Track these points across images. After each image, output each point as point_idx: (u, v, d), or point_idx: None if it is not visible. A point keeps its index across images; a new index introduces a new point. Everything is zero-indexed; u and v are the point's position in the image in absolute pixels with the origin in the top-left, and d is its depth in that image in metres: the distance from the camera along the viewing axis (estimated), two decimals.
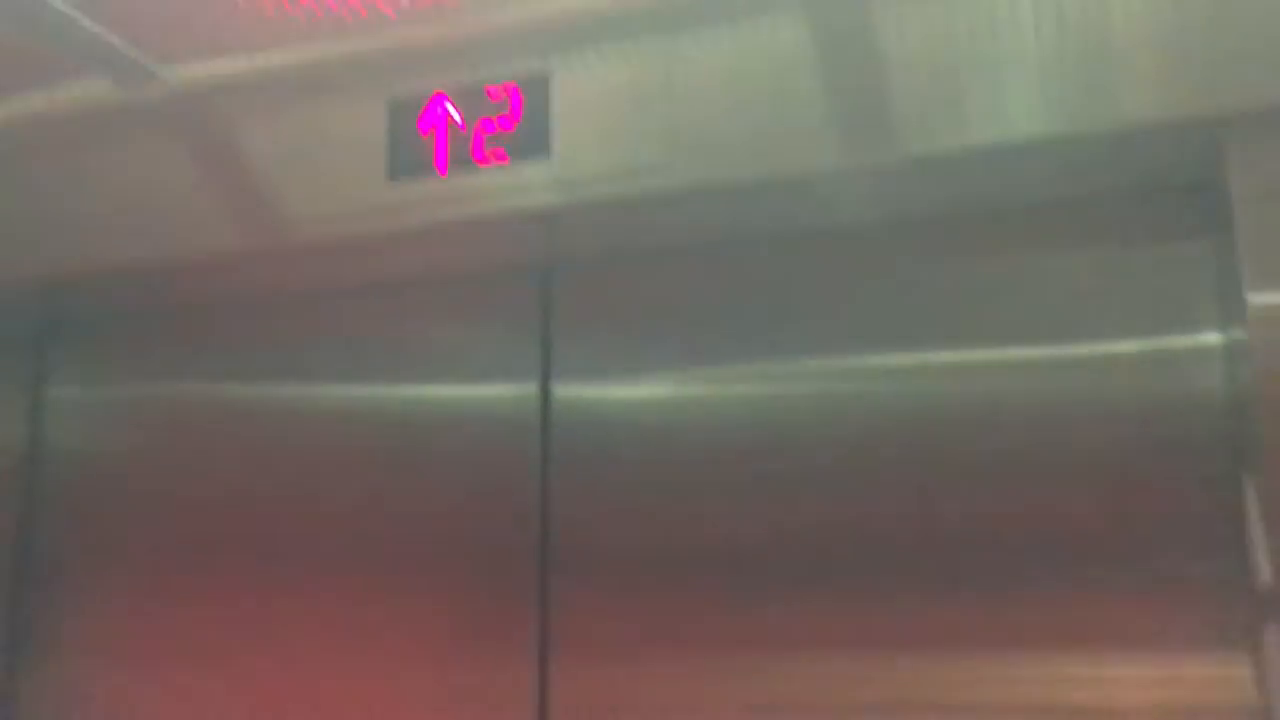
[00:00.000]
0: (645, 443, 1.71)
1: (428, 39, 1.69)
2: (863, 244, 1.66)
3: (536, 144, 1.61)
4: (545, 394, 1.78)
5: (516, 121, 1.63)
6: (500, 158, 1.62)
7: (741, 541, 1.63)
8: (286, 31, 1.71)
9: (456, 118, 1.66)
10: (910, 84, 1.47)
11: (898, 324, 1.62)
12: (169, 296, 1.95)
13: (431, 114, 1.67)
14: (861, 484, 1.59)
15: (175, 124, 1.81)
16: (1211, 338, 1.48)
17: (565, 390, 1.77)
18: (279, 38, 1.72)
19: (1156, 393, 1.49)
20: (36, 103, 1.86)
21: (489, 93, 1.65)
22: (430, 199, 1.65)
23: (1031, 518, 1.51)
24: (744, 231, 1.69)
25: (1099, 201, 1.55)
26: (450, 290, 1.85)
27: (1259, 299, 1.34)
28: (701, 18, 1.57)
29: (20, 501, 2.04)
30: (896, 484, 1.58)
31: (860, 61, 1.51)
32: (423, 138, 1.67)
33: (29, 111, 1.87)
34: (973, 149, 1.45)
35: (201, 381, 1.97)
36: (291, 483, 1.89)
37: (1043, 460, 1.51)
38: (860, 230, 1.66)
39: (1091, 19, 1.40)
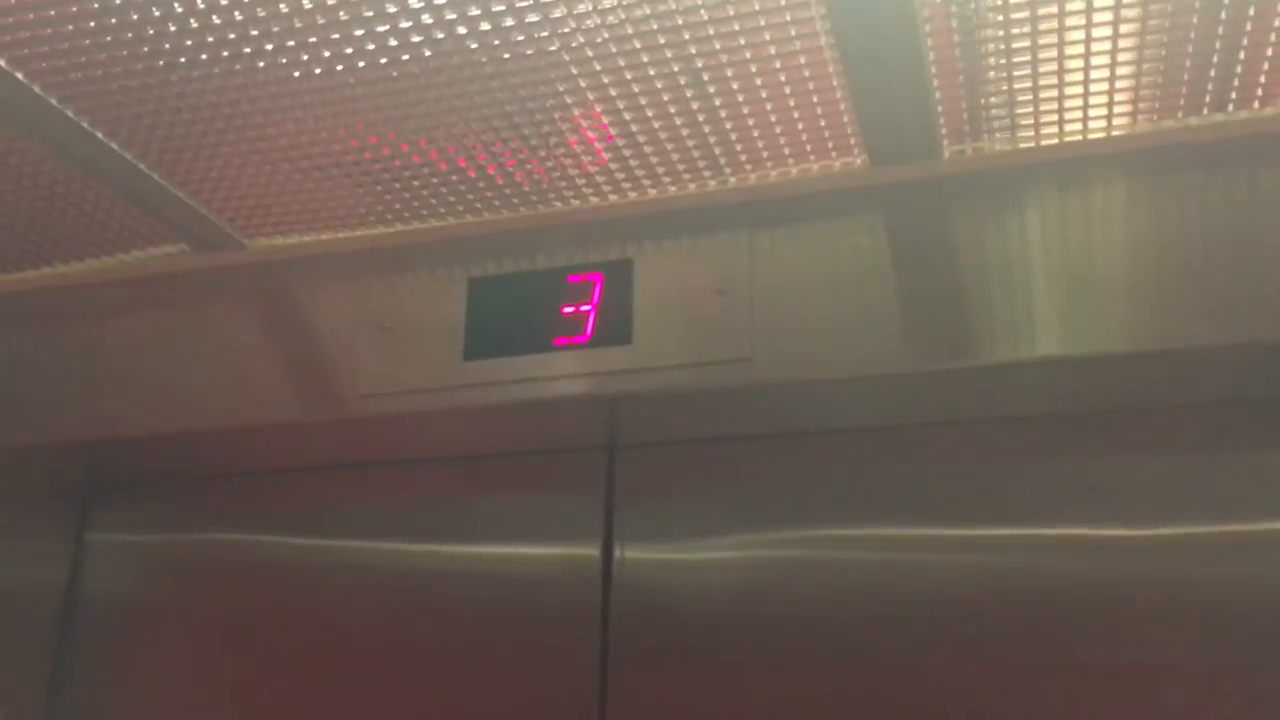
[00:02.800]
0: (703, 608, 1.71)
1: (511, 222, 1.72)
2: (923, 438, 1.69)
3: (616, 331, 1.63)
4: (607, 558, 1.77)
5: (597, 307, 1.65)
6: (579, 342, 1.64)
7: (802, 710, 1.62)
8: (372, 209, 1.73)
9: (536, 300, 1.68)
10: (984, 295, 1.51)
11: (940, 505, 1.65)
12: (233, 461, 1.95)
13: (511, 296, 1.70)
14: (911, 653, 1.60)
15: (251, 293, 1.83)
16: None
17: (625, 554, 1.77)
18: (364, 216, 1.75)
19: None
20: (109, 265, 1.87)
21: (570, 278, 1.68)
22: (505, 380, 1.66)
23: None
24: (810, 424, 1.72)
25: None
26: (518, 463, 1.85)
27: None
28: (785, 214, 1.61)
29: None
30: (934, 652, 1.59)
31: (938, 270, 1.55)
32: (501, 319, 1.69)
33: (102, 274, 1.88)
34: (1041, 361, 1.48)
35: (253, 537, 1.96)
36: (344, 638, 1.86)
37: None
38: (925, 426, 1.69)
39: (1166, 245, 1.45)
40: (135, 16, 1.36)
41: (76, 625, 2.00)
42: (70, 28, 1.38)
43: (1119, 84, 1.42)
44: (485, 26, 1.37)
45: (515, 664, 1.76)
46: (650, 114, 1.50)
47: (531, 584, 1.79)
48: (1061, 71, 1.40)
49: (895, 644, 1.61)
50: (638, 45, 1.38)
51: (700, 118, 1.50)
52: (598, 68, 1.42)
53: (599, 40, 1.37)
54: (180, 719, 1.90)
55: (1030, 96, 1.44)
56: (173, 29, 1.38)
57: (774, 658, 1.66)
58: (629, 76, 1.43)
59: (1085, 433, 1.62)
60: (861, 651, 1.62)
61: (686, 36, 1.35)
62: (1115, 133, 1.50)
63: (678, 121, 1.50)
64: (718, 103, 1.46)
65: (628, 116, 1.50)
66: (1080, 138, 1.51)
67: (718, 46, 1.37)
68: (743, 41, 1.36)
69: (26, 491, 1.93)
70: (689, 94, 1.46)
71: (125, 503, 2.05)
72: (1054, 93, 1.43)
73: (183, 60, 1.43)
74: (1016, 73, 1.40)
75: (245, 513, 1.98)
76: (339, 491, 1.93)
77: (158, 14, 1.36)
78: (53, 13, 1.36)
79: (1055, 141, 1.52)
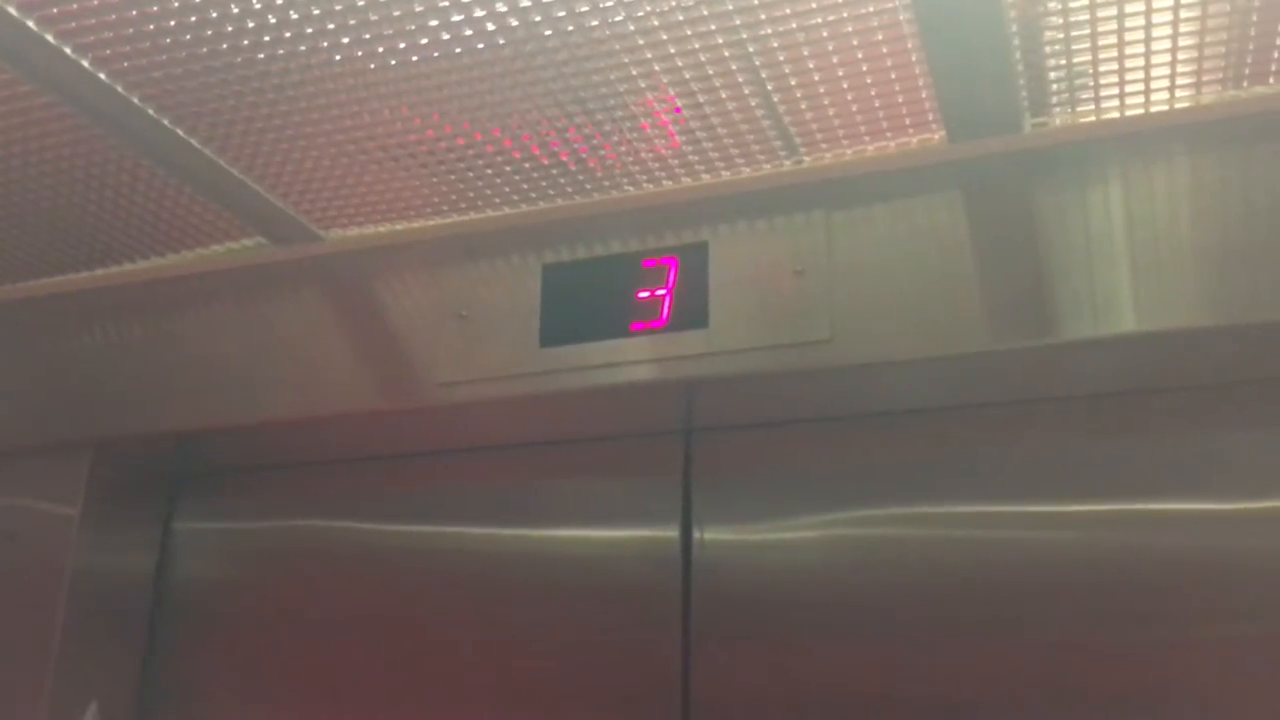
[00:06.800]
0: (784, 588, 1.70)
1: (584, 208, 1.72)
2: (1004, 417, 1.66)
3: (692, 314, 1.63)
4: (686, 540, 1.77)
5: (673, 291, 1.64)
6: (655, 327, 1.64)
7: (884, 688, 1.61)
8: (446, 197, 1.74)
9: (611, 286, 1.67)
10: (1065, 272, 1.48)
11: (1019, 483, 1.63)
12: (315, 449, 1.97)
13: (586, 281, 1.69)
14: (989, 630, 1.58)
15: (328, 284, 1.85)
16: None
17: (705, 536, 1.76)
18: (438, 204, 1.76)
19: None
20: (189, 260, 1.90)
21: (645, 262, 1.67)
22: (582, 366, 1.66)
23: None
24: (889, 404, 1.70)
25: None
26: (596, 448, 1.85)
27: None
28: (863, 193, 1.60)
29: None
30: (1011, 628, 1.57)
31: (1019, 246, 1.52)
32: (577, 305, 1.69)
33: (181, 269, 1.91)
34: (1119, 337, 1.45)
35: (339, 524, 1.98)
36: (426, 622, 1.88)
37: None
38: (1006, 405, 1.66)
39: (1252, 220, 1.41)
40: (214, 13, 1.38)
41: (165, 612, 2.04)
42: (150, 26, 1.40)
43: (1207, 51, 1.38)
44: (559, 12, 1.36)
45: (598, 646, 1.77)
46: (724, 94, 1.48)
47: (612, 567, 1.79)
48: (1149, 40, 1.36)
49: (974, 621, 1.59)
50: (711, 25, 1.36)
51: (775, 97, 1.48)
52: (671, 49, 1.41)
53: (672, 20, 1.36)
54: (267, 703, 1.94)
55: (1115, 66, 1.41)
56: (249, 24, 1.39)
57: (854, 636, 1.65)
58: (703, 57, 1.42)
59: (1168, 408, 1.58)
60: (944, 629, 1.61)
61: (761, 15, 1.34)
62: (1204, 100, 1.46)
63: (752, 101, 1.49)
64: (793, 81, 1.45)
65: (701, 98, 1.49)
66: (1167, 108, 1.47)
67: (794, 24, 1.35)
68: (818, 19, 1.34)
69: (115, 483, 1.96)
70: (763, 72, 1.44)
71: (211, 492, 2.09)
72: (1140, 61, 1.40)
73: (260, 55, 1.44)
74: (1101, 41, 1.37)
75: (327, 500, 2.00)
76: (420, 478, 1.95)
77: (235, 9, 1.37)
78: (134, 12, 1.37)
79: (1140, 112, 1.48)
